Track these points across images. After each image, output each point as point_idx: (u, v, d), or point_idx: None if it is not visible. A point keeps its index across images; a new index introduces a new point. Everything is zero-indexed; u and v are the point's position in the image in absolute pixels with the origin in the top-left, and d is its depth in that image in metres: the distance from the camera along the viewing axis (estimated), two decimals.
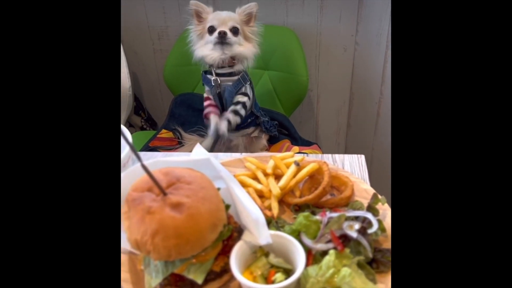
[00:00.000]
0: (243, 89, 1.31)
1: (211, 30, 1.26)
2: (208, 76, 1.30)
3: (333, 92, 1.85)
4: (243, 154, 0.96)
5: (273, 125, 1.47)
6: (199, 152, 0.77)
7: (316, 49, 1.74)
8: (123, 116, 1.72)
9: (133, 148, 0.57)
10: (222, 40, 1.24)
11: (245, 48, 1.29)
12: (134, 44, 1.84)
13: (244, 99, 1.30)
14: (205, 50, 1.28)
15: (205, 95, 1.35)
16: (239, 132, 1.37)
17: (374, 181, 0.85)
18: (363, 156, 0.97)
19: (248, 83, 1.32)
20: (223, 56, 1.26)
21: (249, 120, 1.37)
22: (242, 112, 1.30)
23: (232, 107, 1.29)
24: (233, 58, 1.28)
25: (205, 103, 1.34)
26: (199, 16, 1.29)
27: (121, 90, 1.66)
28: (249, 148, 1.40)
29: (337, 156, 0.98)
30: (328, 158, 0.97)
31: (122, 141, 0.89)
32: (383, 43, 1.66)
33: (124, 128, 0.91)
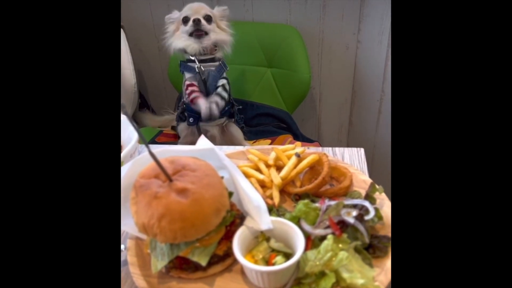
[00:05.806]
0: (224, 74, 1.38)
1: (186, 20, 1.33)
2: (190, 64, 1.36)
3: (335, 90, 1.87)
4: (246, 146, 0.98)
5: (241, 118, 1.53)
6: (203, 143, 0.80)
7: (318, 47, 1.76)
8: (128, 113, 1.76)
9: (142, 136, 0.60)
10: (197, 27, 1.30)
11: (222, 35, 1.36)
12: (139, 42, 1.88)
13: (224, 81, 1.37)
14: (182, 41, 1.34)
15: (187, 82, 1.39)
16: (214, 121, 1.42)
17: (375, 179, 0.85)
18: (362, 149, 0.99)
19: (227, 69, 1.39)
20: (204, 44, 1.33)
21: (226, 108, 1.42)
22: (224, 94, 1.37)
23: (216, 91, 1.36)
24: (215, 45, 1.35)
25: (189, 89, 1.38)
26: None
27: (126, 87, 1.69)
28: (224, 138, 1.46)
29: (337, 149, 1.01)
30: (328, 151, 1.00)
31: (130, 132, 0.92)
32: (385, 41, 1.69)
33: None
